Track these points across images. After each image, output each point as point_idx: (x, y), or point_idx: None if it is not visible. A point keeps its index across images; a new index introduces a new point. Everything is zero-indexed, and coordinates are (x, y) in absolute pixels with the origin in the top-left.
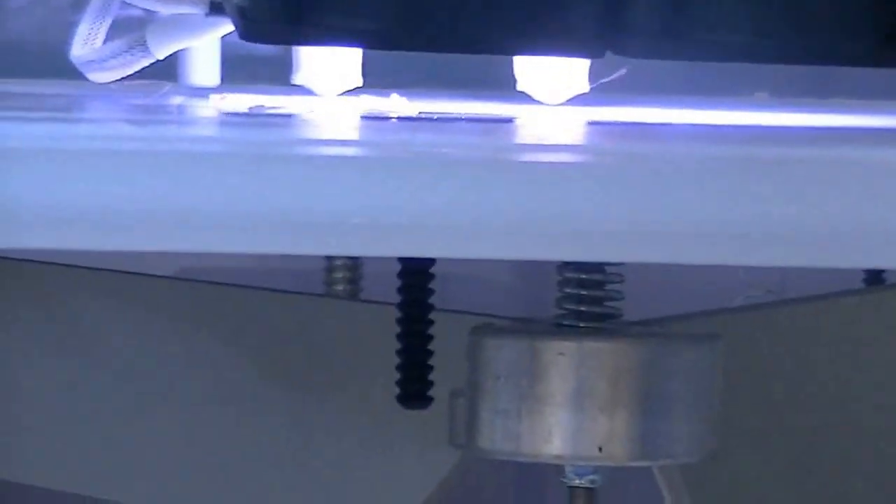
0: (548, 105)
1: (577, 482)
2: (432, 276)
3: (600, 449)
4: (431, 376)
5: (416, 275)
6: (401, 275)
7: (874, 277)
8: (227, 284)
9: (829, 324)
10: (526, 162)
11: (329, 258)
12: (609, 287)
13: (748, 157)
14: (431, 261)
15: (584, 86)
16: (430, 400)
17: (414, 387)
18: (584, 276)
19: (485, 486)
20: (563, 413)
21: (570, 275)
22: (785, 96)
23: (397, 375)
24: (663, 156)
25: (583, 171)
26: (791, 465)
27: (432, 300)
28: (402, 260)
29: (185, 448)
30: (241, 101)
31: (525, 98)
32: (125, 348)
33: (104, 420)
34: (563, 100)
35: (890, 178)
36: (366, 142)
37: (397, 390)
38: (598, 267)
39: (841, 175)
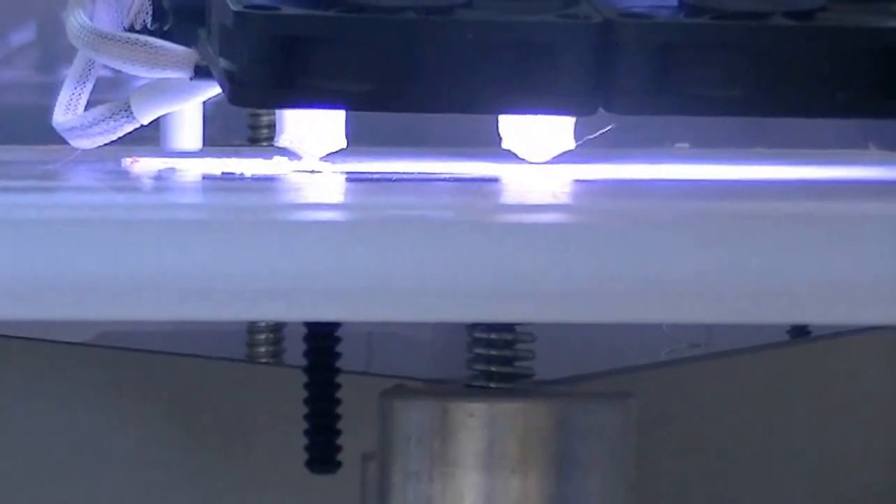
0: (533, 163)
1: None
2: (338, 340)
3: None
4: (341, 440)
5: (321, 338)
6: (307, 338)
7: (799, 330)
8: (135, 350)
9: (753, 377)
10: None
11: (251, 322)
12: (519, 347)
13: (668, 210)
14: (337, 324)
15: (569, 143)
16: (338, 464)
17: (322, 451)
18: (493, 337)
19: None
20: (474, 475)
21: (479, 335)
22: (705, 147)
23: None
24: (589, 210)
25: (501, 230)
26: None
27: (344, 363)
28: (307, 324)
29: None
30: (152, 165)
31: (511, 157)
32: (38, 416)
33: (19, 488)
34: (549, 157)
35: (816, 230)
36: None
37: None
38: (508, 327)
39: (766, 228)
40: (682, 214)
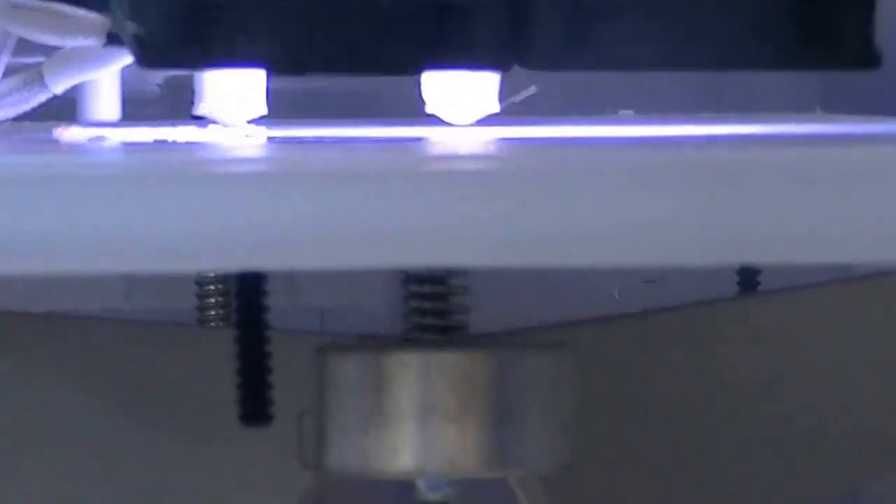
0: (457, 126)
1: (430, 497)
2: (265, 293)
3: (451, 462)
4: (277, 397)
5: (249, 292)
6: (237, 294)
7: (748, 285)
8: (71, 316)
9: (700, 330)
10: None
11: (200, 289)
12: (453, 300)
13: (597, 156)
14: (263, 277)
15: (493, 105)
16: (269, 417)
17: (253, 405)
18: (427, 290)
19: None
20: (410, 427)
21: (413, 289)
22: (649, 113)
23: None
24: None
25: (425, 177)
26: (652, 474)
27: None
28: (237, 278)
29: (39, 484)
30: (82, 133)
31: (435, 121)
32: None
33: None
34: (473, 120)
35: (752, 175)
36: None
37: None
38: (442, 279)
39: (713, 174)
40: (612, 160)
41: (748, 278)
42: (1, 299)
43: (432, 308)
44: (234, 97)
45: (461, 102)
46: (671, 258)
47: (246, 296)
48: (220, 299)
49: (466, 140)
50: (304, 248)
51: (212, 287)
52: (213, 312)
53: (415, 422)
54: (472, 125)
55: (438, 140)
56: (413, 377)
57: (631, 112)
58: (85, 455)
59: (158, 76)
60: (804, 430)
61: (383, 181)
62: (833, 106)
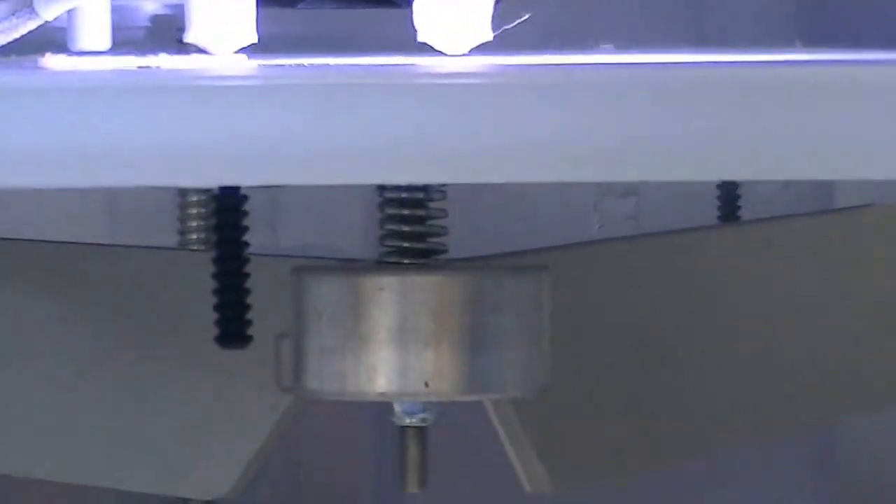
0: (450, 55)
1: (407, 421)
2: (245, 213)
3: (427, 384)
4: (256, 321)
5: (228, 212)
6: (214, 214)
7: (728, 214)
8: (56, 242)
9: (680, 258)
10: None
11: (182, 208)
12: (431, 223)
13: (610, 76)
14: (244, 198)
15: (487, 34)
16: (247, 339)
17: (230, 326)
18: (405, 213)
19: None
20: (387, 350)
21: (391, 211)
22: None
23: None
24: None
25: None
26: (628, 399)
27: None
28: (215, 199)
29: (24, 406)
30: (69, 62)
31: (428, 50)
32: None
33: None
34: (466, 49)
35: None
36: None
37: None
38: (419, 202)
39: (696, 90)
40: (596, 77)
41: (728, 208)
42: None
43: (410, 231)
44: (222, 25)
45: (454, 30)
46: (652, 173)
47: (224, 217)
48: (202, 223)
49: (455, 64)
50: (283, 163)
51: (193, 211)
52: (194, 236)
53: (391, 345)
54: (464, 54)
55: (427, 65)
56: (390, 300)
57: (611, 46)
58: (67, 374)
59: (145, 16)
60: (781, 360)
61: (364, 95)
62: (812, 41)
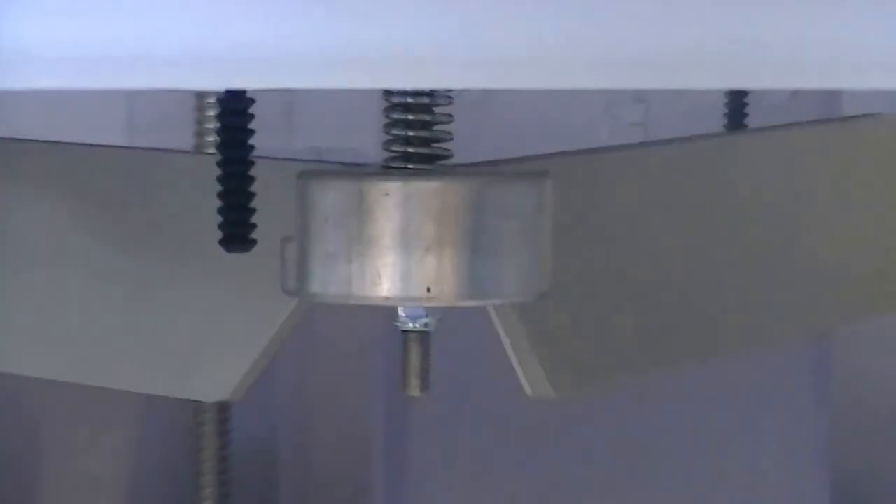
0: None
1: (410, 326)
2: (251, 117)
3: (429, 290)
4: (261, 224)
5: (232, 115)
6: (219, 116)
7: (736, 122)
8: (71, 143)
9: (687, 166)
10: None
11: (198, 110)
12: (437, 128)
13: None
14: (249, 101)
15: None
16: (252, 242)
17: (234, 229)
18: (410, 117)
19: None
20: (390, 254)
21: (397, 116)
22: None
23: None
24: None
25: None
26: (632, 304)
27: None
28: (219, 101)
29: (27, 306)
30: None
31: None
32: None
33: None
34: None
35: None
36: None
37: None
38: (425, 107)
39: None
40: None
41: (735, 116)
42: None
43: (415, 136)
44: None
45: None
46: (662, 81)
47: (229, 120)
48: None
49: None
50: (290, 66)
51: (210, 114)
52: (210, 139)
53: (394, 250)
54: None
55: None
56: (393, 206)
57: None
58: (75, 276)
59: None
60: (783, 265)
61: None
62: None
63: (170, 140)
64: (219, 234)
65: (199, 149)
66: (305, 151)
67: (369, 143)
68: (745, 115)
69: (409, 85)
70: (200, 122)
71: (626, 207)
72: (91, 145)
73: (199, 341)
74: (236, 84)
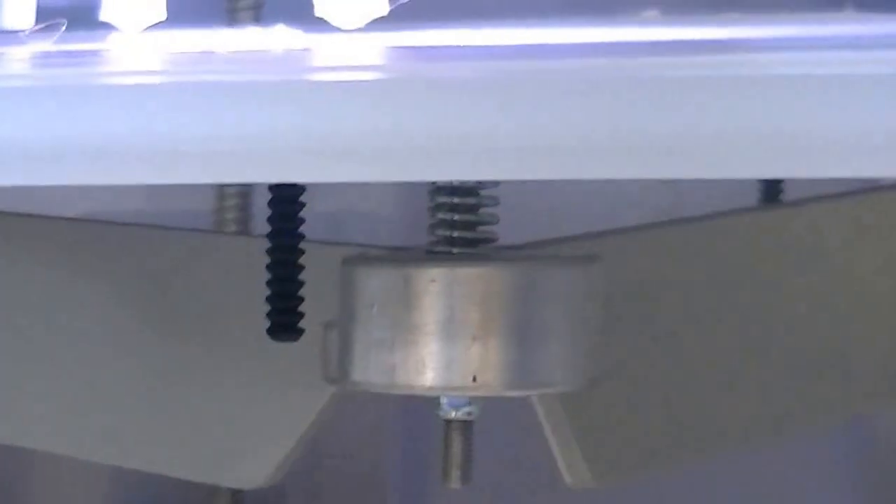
0: (345, 31)
1: (452, 415)
2: (302, 205)
3: (474, 378)
4: (304, 309)
5: (284, 203)
6: (270, 204)
7: (770, 196)
8: (104, 222)
9: (723, 243)
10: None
11: (219, 197)
12: (482, 211)
13: (632, 67)
14: (301, 189)
15: (382, 8)
16: (300, 332)
17: (283, 318)
18: (455, 201)
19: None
20: (435, 343)
21: (442, 199)
22: (675, 14)
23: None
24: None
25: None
26: (677, 393)
27: (307, 233)
28: (271, 189)
29: (68, 385)
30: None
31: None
32: (16, 285)
33: None
34: (362, 24)
35: (784, 87)
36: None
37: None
38: (471, 191)
39: (733, 84)
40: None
41: (771, 189)
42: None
43: (461, 220)
44: (133, 3)
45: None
46: (691, 170)
47: (281, 207)
48: (240, 201)
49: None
50: (337, 160)
51: (232, 191)
52: (230, 216)
53: (439, 338)
54: (360, 30)
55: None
56: (439, 293)
57: (656, 13)
58: (113, 354)
59: None
60: (827, 347)
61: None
62: (866, 4)
63: (190, 202)
64: (260, 319)
65: (217, 224)
66: (321, 217)
67: (383, 207)
68: (780, 185)
69: (462, 177)
70: (221, 197)
71: (671, 287)
72: (136, 225)
73: (234, 428)
74: (277, 178)
